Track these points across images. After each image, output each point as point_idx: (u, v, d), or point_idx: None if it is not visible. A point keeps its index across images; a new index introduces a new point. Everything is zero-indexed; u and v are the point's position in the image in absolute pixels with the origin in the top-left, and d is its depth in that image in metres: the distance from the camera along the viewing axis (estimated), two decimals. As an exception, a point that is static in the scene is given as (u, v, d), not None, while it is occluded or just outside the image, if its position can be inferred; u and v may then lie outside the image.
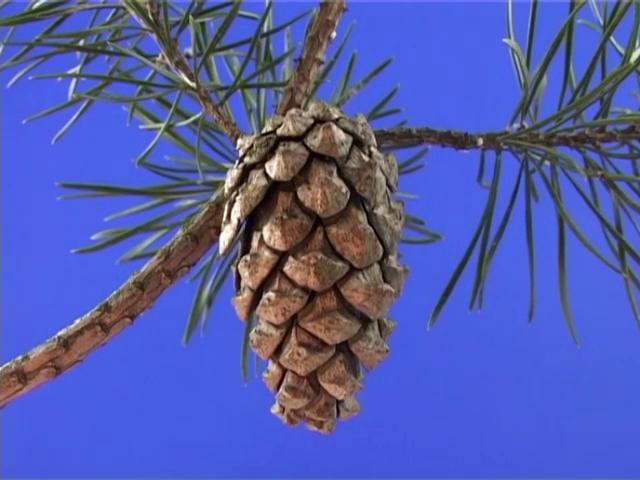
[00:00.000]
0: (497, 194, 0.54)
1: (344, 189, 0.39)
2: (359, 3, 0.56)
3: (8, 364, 0.44)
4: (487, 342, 1.12)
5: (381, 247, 0.40)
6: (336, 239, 0.39)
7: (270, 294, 0.40)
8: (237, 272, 0.42)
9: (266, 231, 0.40)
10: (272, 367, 0.42)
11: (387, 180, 0.42)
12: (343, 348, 0.40)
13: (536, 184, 0.55)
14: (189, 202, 0.62)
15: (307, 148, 0.40)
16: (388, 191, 0.42)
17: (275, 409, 0.43)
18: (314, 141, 0.40)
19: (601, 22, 0.53)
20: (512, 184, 0.54)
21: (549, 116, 0.52)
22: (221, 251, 0.43)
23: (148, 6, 0.53)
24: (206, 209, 0.46)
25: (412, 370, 1.07)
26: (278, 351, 0.41)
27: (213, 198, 0.47)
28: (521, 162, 0.55)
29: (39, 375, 0.44)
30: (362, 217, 0.40)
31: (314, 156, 0.40)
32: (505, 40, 0.51)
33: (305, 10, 0.57)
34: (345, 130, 0.41)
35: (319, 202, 0.39)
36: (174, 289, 0.46)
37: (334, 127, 0.40)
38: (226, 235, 0.42)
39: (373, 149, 0.42)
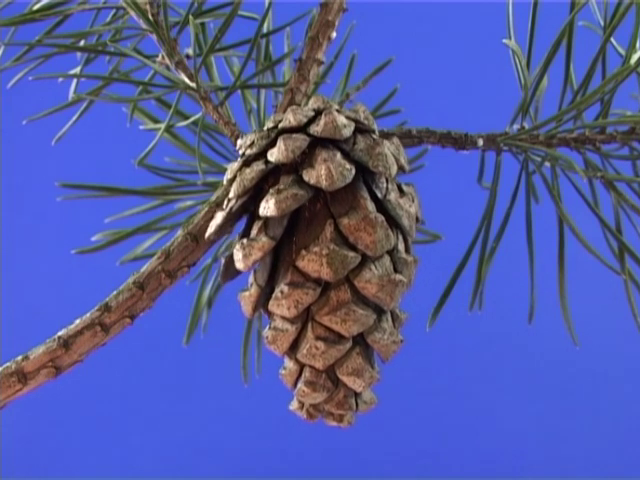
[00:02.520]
0: (497, 195, 0.54)
1: (348, 165, 0.39)
2: (359, 3, 0.56)
3: (8, 364, 0.44)
4: (487, 343, 1.12)
5: (393, 235, 0.40)
6: (348, 230, 0.39)
7: (283, 287, 0.40)
8: (226, 263, 0.42)
9: (262, 204, 0.40)
10: (289, 364, 0.42)
11: (397, 160, 0.42)
12: (359, 340, 0.41)
13: (536, 185, 0.55)
14: (189, 203, 0.62)
15: (310, 135, 0.40)
16: (396, 180, 0.42)
17: (294, 405, 0.43)
18: (317, 128, 0.40)
19: (601, 23, 0.53)
20: (512, 185, 0.54)
21: (549, 117, 0.52)
22: (206, 235, 0.43)
23: (148, 7, 0.53)
24: (206, 209, 0.46)
25: (411, 370, 1.07)
26: (294, 347, 0.41)
27: (213, 198, 0.47)
28: (521, 163, 0.55)
29: (39, 375, 0.44)
30: (372, 207, 0.40)
31: (317, 143, 0.40)
32: (505, 41, 0.51)
33: (305, 10, 0.57)
34: (347, 117, 0.41)
35: (323, 177, 0.39)
36: (174, 290, 0.46)
37: (335, 112, 0.41)
38: (214, 221, 0.42)
39: (375, 136, 0.42)
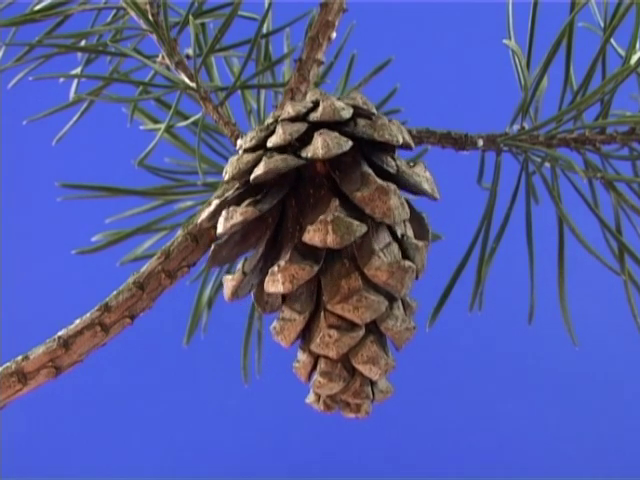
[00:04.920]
0: (497, 195, 0.54)
1: (344, 138, 0.39)
2: (359, 3, 0.56)
3: (8, 364, 0.44)
4: (486, 343, 1.12)
5: (407, 205, 0.40)
6: (363, 202, 0.39)
7: (280, 262, 0.40)
8: (214, 250, 0.42)
9: (254, 170, 0.40)
10: (302, 356, 0.42)
11: (403, 138, 0.42)
12: (373, 329, 0.41)
13: (536, 186, 0.55)
14: (189, 203, 0.62)
15: (309, 122, 0.41)
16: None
17: (310, 398, 0.43)
18: (316, 114, 0.41)
19: (601, 24, 0.53)
20: (512, 185, 0.54)
21: (549, 117, 0.52)
22: (198, 221, 0.43)
23: (148, 7, 0.53)
24: (206, 209, 0.46)
25: (411, 371, 1.07)
26: (307, 339, 0.41)
27: (212, 198, 0.47)
28: (521, 164, 0.55)
29: (39, 375, 0.44)
30: (381, 180, 0.40)
31: (316, 127, 0.40)
32: (505, 41, 0.51)
33: (305, 11, 0.57)
34: (346, 103, 0.42)
35: (320, 147, 0.39)
36: (174, 290, 0.46)
37: (334, 98, 0.41)
38: (208, 208, 0.43)
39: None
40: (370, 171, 0.40)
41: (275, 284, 0.40)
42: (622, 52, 0.53)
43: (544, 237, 0.55)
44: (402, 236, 0.42)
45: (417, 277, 0.42)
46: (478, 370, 1.13)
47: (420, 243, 0.42)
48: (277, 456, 1.12)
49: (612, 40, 0.52)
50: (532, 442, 1.11)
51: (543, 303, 0.55)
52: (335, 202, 0.39)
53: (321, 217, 0.39)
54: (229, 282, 0.42)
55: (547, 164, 0.54)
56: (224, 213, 0.41)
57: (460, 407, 1.12)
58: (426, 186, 0.42)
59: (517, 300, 0.58)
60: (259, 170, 0.40)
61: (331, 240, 0.39)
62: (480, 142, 0.52)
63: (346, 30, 0.60)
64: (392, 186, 0.40)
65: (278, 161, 0.39)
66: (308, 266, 0.39)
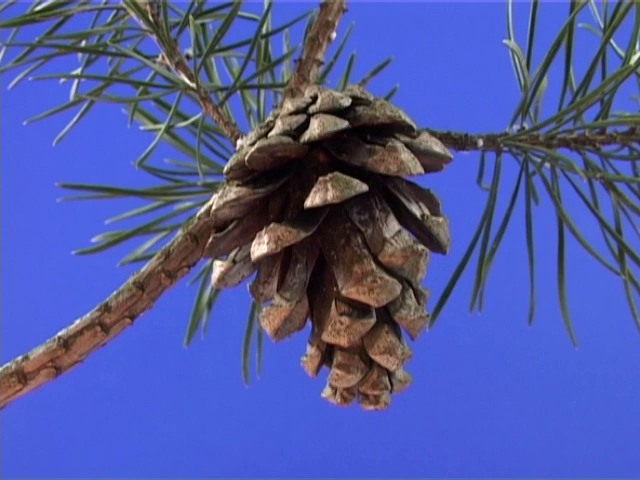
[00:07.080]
0: (497, 196, 0.54)
1: (340, 119, 0.39)
2: (359, 3, 0.56)
3: (8, 364, 0.44)
4: (486, 343, 1.12)
5: (419, 161, 0.40)
6: (377, 163, 0.39)
7: (271, 225, 0.39)
8: (211, 242, 0.42)
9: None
10: (310, 350, 0.42)
11: (405, 117, 0.42)
12: (386, 319, 0.40)
13: (536, 186, 0.55)
14: (189, 204, 0.62)
15: (308, 114, 0.41)
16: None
17: (326, 392, 0.42)
18: (315, 106, 0.41)
19: (601, 24, 0.53)
20: (512, 186, 0.54)
21: (549, 117, 0.52)
22: (197, 214, 0.43)
23: (148, 7, 0.53)
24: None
25: (411, 371, 1.07)
26: (283, 327, 0.41)
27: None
28: (521, 164, 0.55)
29: (39, 375, 0.44)
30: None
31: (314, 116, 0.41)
32: (505, 41, 0.51)
33: (305, 11, 0.57)
34: (344, 94, 0.42)
35: (315, 128, 0.39)
36: (174, 291, 0.46)
37: (331, 90, 0.41)
38: (207, 203, 0.42)
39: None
40: (374, 142, 0.41)
41: (260, 246, 0.40)
42: (622, 52, 0.53)
43: (544, 237, 0.55)
44: (422, 216, 0.42)
45: (445, 252, 0.43)
46: (478, 370, 1.13)
47: (440, 219, 0.42)
48: (277, 456, 1.12)
49: (612, 40, 0.52)
50: (532, 442, 1.11)
51: (543, 303, 0.55)
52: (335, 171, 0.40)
53: (320, 179, 0.39)
54: (217, 268, 0.42)
55: (547, 164, 0.54)
56: (219, 192, 0.41)
57: (460, 407, 1.12)
58: (437, 148, 0.42)
59: (517, 300, 0.58)
60: (252, 148, 0.40)
61: (331, 195, 0.38)
62: (480, 142, 0.52)
63: (346, 30, 0.60)
64: (400, 144, 0.40)
65: (272, 139, 0.39)
66: (295, 230, 0.39)
